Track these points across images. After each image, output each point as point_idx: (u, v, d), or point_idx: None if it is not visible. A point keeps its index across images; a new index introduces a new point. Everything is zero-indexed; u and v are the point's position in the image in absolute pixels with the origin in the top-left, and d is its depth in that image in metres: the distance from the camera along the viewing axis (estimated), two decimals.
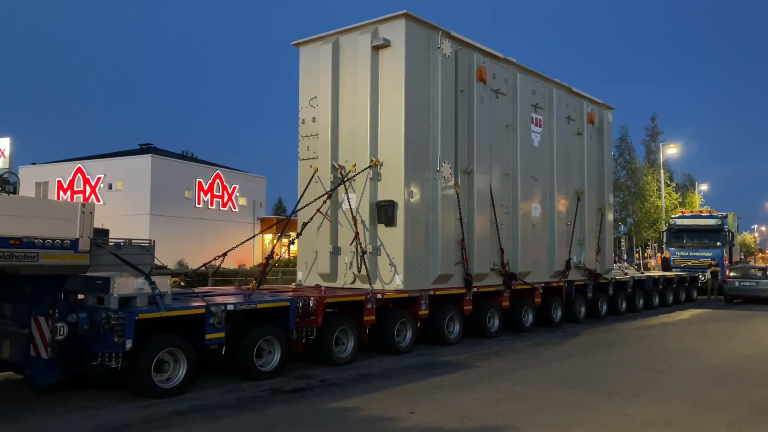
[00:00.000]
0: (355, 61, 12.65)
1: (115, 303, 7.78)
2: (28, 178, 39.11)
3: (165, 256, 30.78)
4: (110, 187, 36.49)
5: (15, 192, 7.70)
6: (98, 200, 36.34)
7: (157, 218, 34.99)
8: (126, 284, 7.97)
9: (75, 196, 36.56)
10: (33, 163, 42.08)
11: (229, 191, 40.00)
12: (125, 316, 7.53)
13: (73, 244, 7.37)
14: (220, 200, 39.35)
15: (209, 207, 38.59)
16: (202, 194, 38.13)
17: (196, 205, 37.76)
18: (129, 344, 7.54)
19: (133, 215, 34.61)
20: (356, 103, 12.61)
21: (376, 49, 12.37)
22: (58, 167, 39.11)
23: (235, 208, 40.25)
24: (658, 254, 41.17)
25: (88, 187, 36.78)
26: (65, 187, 37.24)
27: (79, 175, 37.15)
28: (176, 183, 36.66)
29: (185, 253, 31.44)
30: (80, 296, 8.42)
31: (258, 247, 38.02)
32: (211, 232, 36.24)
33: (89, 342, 7.61)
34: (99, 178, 36.60)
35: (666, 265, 28.12)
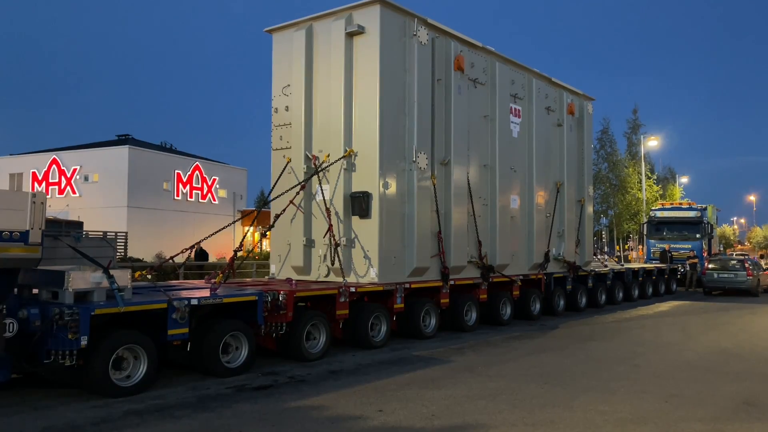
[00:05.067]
0: (329, 48, 12.30)
1: (70, 298, 7.43)
2: (2, 169, 38.28)
3: (143, 249, 30.32)
4: (86, 178, 35.71)
5: None
6: (74, 192, 35.63)
7: (134, 210, 34.35)
8: (82, 278, 7.62)
9: (50, 188, 35.78)
10: (10, 155, 41.19)
11: (209, 183, 39.38)
12: (80, 311, 7.18)
13: (23, 236, 6.99)
14: (199, 192, 38.71)
15: (188, 199, 37.95)
16: (181, 186, 37.45)
17: (175, 197, 37.11)
18: (84, 341, 7.21)
19: (110, 207, 33.97)
20: (330, 92, 12.27)
21: (350, 35, 12.04)
22: (32, 158, 38.26)
23: (215, 200, 39.65)
24: (640, 246, 41.32)
25: (63, 178, 35.98)
26: (40, 178, 36.40)
27: (54, 166, 36.29)
28: (154, 175, 35.97)
29: (164, 246, 30.84)
30: (35, 291, 8.05)
31: (239, 239, 37.43)
32: (190, 225, 35.62)
33: (41, 339, 7.25)
34: (75, 170, 35.79)
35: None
